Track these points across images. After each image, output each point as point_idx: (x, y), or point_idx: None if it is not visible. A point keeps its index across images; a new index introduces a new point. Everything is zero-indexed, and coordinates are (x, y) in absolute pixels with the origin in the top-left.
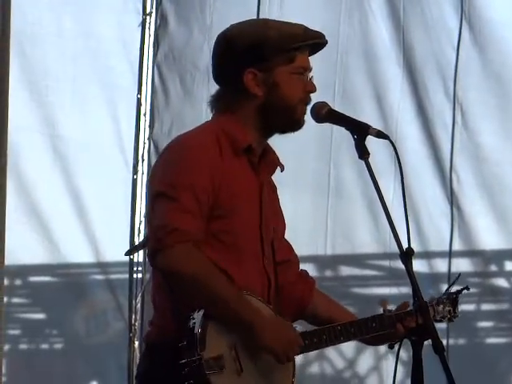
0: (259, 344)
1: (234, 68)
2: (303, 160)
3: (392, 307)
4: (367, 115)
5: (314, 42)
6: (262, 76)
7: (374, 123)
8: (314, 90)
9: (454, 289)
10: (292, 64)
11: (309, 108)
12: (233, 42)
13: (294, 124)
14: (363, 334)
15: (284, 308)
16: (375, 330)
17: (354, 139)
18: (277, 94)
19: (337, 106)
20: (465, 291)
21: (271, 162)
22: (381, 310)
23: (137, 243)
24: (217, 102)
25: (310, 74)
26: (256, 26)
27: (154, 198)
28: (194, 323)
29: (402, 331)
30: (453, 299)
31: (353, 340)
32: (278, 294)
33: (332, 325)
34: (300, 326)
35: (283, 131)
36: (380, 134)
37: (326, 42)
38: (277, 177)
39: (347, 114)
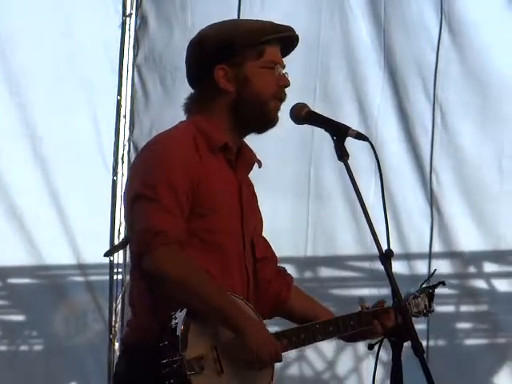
0: (247, 345)
1: (206, 67)
2: (283, 161)
3: (369, 305)
4: (348, 117)
5: (283, 35)
6: (233, 72)
7: (355, 125)
8: (287, 83)
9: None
10: (262, 58)
11: (283, 105)
12: (203, 42)
13: (267, 120)
14: (341, 332)
15: (261, 305)
16: (353, 327)
17: (334, 141)
18: (248, 89)
19: (317, 108)
20: (443, 289)
21: (248, 159)
22: (359, 308)
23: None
24: (191, 104)
25: (284, 70)
26: (225, 24)
27: (133, 199)
28: (176, 323)
29: (379, 327)
30: (428, 294)
31: (331, 338)
32: (256, 291)
33: (310, 323)
34: (276, 327)
35: (257, 129)
36: (359, 136)
37: (297, 38)
38: (257, 177)
39: (327, 115)
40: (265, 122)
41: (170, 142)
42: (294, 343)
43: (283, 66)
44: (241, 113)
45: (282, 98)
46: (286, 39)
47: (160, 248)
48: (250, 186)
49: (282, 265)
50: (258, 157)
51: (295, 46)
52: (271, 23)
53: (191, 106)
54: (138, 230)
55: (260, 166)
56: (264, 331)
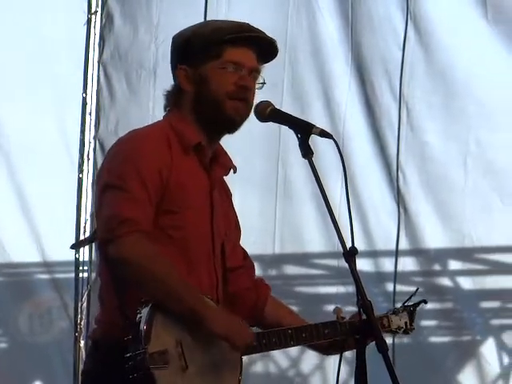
0: (214, 331)
1: (174, 67)
2: (251, 159)
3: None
4: (315, 114)
5: (239, 35)
6: (192, 72)
7: (322, 122)
8: (246, 84)
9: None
10: (220, 59)
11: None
12: (172, 44)
13: (226, 120)
14: (314, 340)
15: (238, 313)
16: (327, 336)
17: (298, 138)
18: (204, 89)
19: (285, 105)
20: (408, 287)
21: (223, 163)
22: (334, 317)
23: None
24: (166, 101)
25: (260, 77)
26: (194, 25)
27: (102, 189)
28: (141, 317)
29: (354, 341)
30: (410, 312)
31: (303, 345)
32: (231, 301)
33: (282, 328)
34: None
35: (219, 128)
36: (323, 133)
37: (269, 41)
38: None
39: (295, 112)
40: (222, 121)
41: (143, 137)
42: (263, 346)
43: (253, 69)
44: (200, 112)
45: (240, 97)
46: (255, 41)
47: (125, 236)
48: (226, 193)
49: None
50: (230, 158)
51: (272, 51)
52: (233, 23)
53: (166, 102)
54: (105, 216)
55: (235, 172)
56: (226, 313)
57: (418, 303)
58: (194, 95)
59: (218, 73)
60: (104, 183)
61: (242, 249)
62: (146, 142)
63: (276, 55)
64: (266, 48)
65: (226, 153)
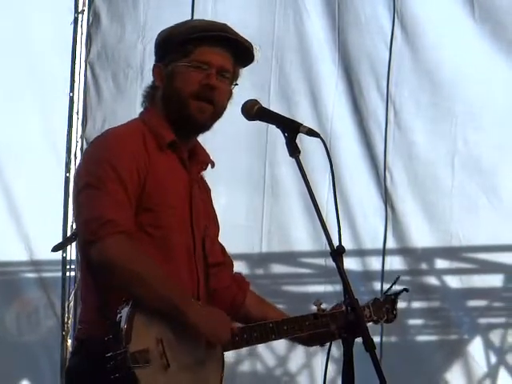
0: (195, 328)
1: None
2: (238, 158)
3: (326, 306)
4: (302, 114)
5: (207, 34)
6: (164, 69)
7: (309, 121)
8: (210, 82)
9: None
10: (189, 57)
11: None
12: (154, 42)
13: (190, 120)
14: (296, 332)
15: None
16: (309, 328)
17: (285, 137)
18: (170, 86)
19: (272, 105)
20: (395, 286)
21: (201, 159)
22: (315, 309)
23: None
24: (143, 97)
25: (239, 81)
26: (175, 24)
27: (81, 189)
28: (121, 317)
29: (336, 332)
30: (391, 300)
31: (285, 338)
32: (211, 297)
33: (263, 322)
34: None
35: (186, 127)
36: (311, 132)
37: (239, 41)
38: (212, 174)
39: (282, 112)
40: (187, 121)
41: (119, 136)
42: (245, 340)
43: (222, 69)
44: (168, 110)
45: (204, 97)
46: (230, 43)
47: (108, 237)
48: (206, 189)
49: (235, 261)
50: (212, 152)
51: (247, 54)
52: (208, 23)
53: (143, 99)
54: (85, 219)
55: (213, 167)
56: (207, 310)
57: (399, 292)
58: (163, 92)
59: (184, 71)
60: (83, 184)
61: (221, 245)
62: (122, 142)
63: (252, 60)
64: (243, 51)
65: (203, 149)
